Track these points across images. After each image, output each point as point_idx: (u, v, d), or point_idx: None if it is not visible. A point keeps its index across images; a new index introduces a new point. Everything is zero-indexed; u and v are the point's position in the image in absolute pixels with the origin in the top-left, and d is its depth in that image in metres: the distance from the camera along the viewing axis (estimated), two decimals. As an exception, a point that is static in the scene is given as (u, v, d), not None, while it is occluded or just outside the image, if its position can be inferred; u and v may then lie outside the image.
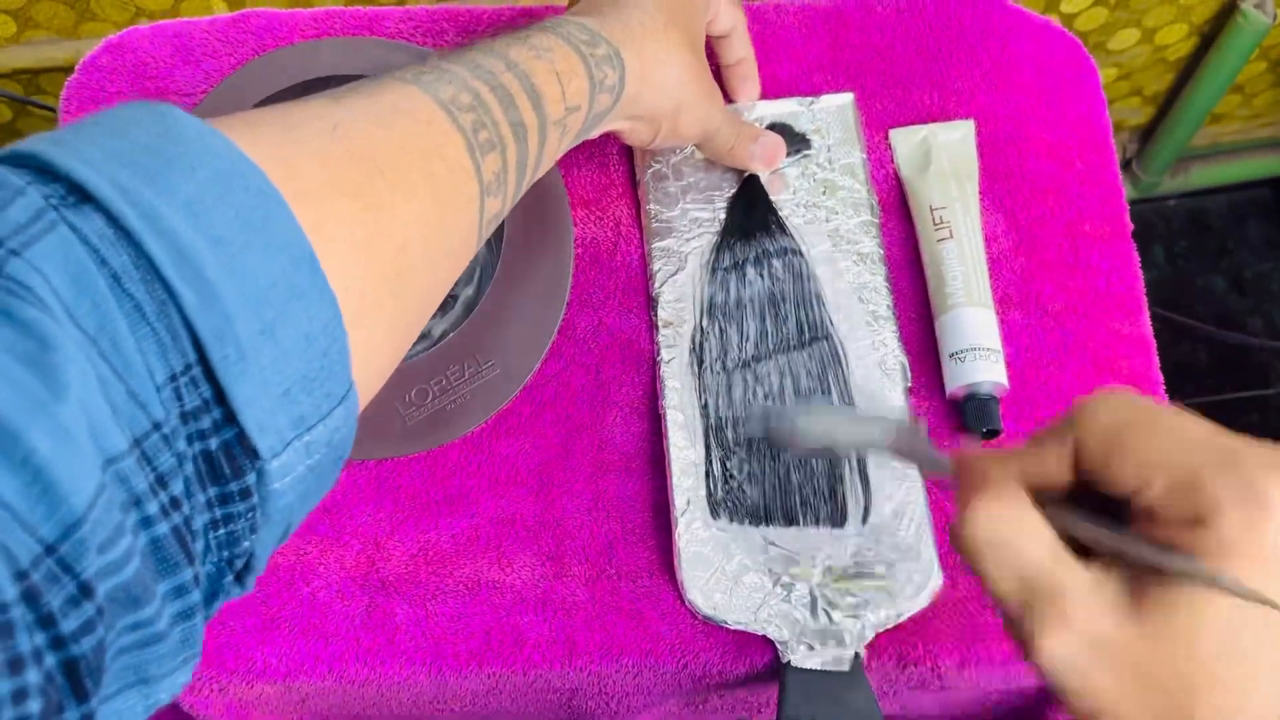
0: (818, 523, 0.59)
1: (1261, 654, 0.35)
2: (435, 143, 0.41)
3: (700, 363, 0.62)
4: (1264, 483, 0.34)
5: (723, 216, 0.66)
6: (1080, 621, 0.36)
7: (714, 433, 0.61)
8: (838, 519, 0.59)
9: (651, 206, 0.66)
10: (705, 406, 0.61)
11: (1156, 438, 0.36)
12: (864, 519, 0.59)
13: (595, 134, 0.55)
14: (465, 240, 0.44)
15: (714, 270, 0.64)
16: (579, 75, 0.50)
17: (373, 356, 0.38)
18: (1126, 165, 1.36)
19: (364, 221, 0.37)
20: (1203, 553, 0.35)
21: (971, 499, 0.38)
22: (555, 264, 0.60)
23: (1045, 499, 0.39)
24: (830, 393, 0.62)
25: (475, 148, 0.43)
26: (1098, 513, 0.38)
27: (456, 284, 0.61)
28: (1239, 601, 0.34)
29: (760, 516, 0.59)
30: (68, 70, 0.71)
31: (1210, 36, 1.16)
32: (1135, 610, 0.36)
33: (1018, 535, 0.38)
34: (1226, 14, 1.12)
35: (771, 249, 0.65)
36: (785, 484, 0.60)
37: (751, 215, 0.66)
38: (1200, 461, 0.35)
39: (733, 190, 0.66)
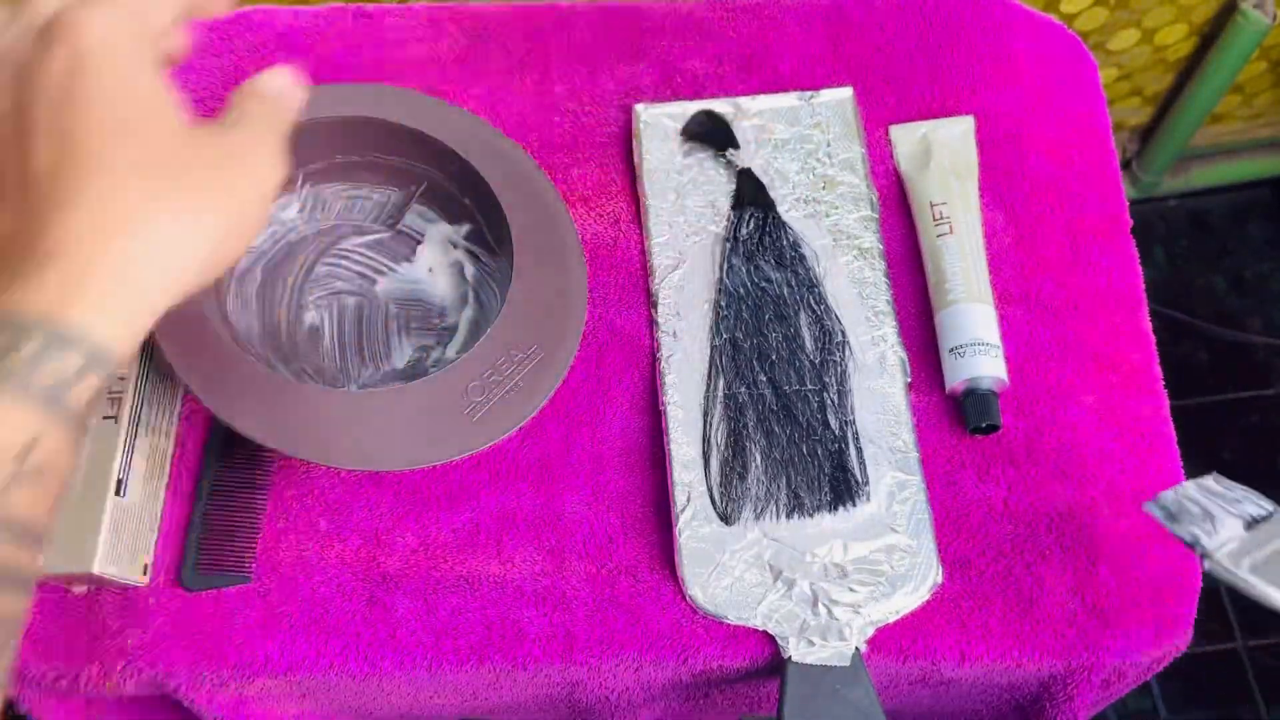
0: (815, 512, 0.59)
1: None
2: None
3: (710, 361, 0.62)
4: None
5: (723, 213, 0.66)
6: None
7: (715, 426, 0.61)
8: (835, 508, 0.59)
9: (651, 203, 0.66)
10: (709, 400, 0.61)
11: None
12: (858, 501, 0.59)
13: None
14: None
15: (717, 267, 0.65)
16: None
17: None
18: (1126, 165, 1.36)
19: None
20: None
21: None
22: (563, 246, 0.62)
23: None
24: (832, 377, 0.62)
25: None
26: None
27: (448, 312, 0.63)
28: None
29: (759, 509, 0.59)
30: (69, 68, 0.71)
31: (1210, 36, 1.16)
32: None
33: None
34: (1226, 14, 1.12)
35: (771, 246, 0.65)
36: (784, 476, 0.60)
37: (753, 213, 0.66)
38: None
39: (732, 187, 0.67)
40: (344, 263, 0.64)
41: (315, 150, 0.61)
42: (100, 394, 0.38)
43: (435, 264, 0.65)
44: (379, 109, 0.61)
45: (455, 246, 0.65)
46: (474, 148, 0.61)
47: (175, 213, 0.39)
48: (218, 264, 0.41)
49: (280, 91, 0.45)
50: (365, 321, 0.63)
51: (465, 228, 0.64)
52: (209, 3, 0.45)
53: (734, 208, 0.66)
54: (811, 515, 0.59)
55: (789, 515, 0.59)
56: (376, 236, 0.65)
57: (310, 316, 0.63)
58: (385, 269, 0.64)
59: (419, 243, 0.65)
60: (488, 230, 0.63)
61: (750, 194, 0.66)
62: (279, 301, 0.62)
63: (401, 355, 0.62)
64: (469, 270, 0.64)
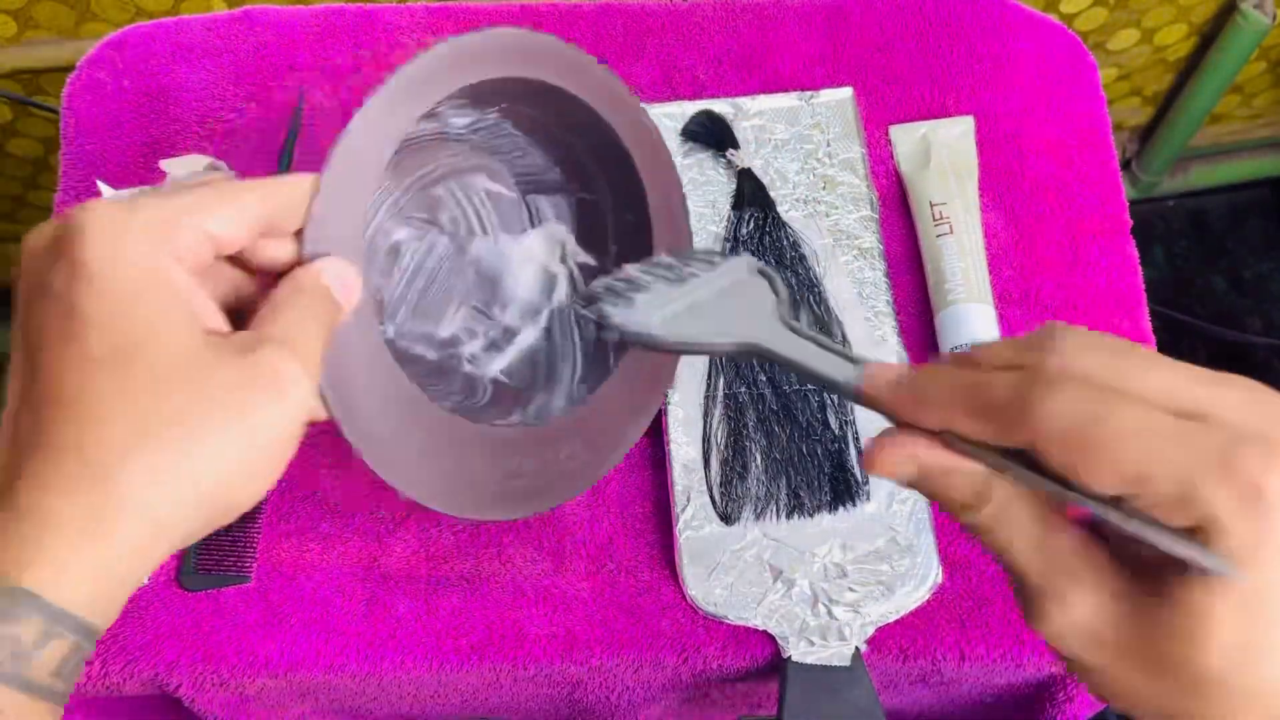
0: (815, 511, 0.59)
1: (1271, 660, 0.32)
2: None
3: (710, 361, 0.62)
4: (1263, 479, 0.30)
5: (723, 213, 0.66)
6: (1082, 606, 0.33)
7: (715, 426, 0.61)
8: (836, 508, 0.59)
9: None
10: (709, 400, 0.61)
11: (1129, 444, 0.31)
12: (858, 501, 0.59)
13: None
14: None
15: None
16: None
17: None
18: (1126, 165, 1.36)
19: None
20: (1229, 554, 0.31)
21: (943, 489, 0.35)
22: (661, 375, 0.56)
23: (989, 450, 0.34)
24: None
25: None
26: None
27: (512, 312, 0.58)
28: (1258, 602, 0.31)
29: (760, 509, 0.59)
30: (68, 70, 0.71)
31: (1210, 36, 1.16)
32: (1140, 601, 0.33)
33: (1020, 523, 0.34)
34: (1226, 14, 1.12)
35: (771, 246, 0.65)
36: (784, 475, 0.60)
37: (753, 213, 0.66)
38: (1188, 466, 0.30)
39: (732, 187, 0.67)
40: (462, 197, 0.58)
41: (493, 94, 0.53)
42: (78, 663, 0.33)
43: (535, 257, 0.58)
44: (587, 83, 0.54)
45: (563, 260, 0.59)
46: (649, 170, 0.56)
47: (164, 457, 0.34)
48: (226, 510, 0.36)
49: (333, 286, 0.41)
50: (441, 272, 0.58)
51: (586, 256, 0.58)
52: (283, 219, 0.41)
53: (734, 208, 0.66)
54: (812, 515, 0.59)
55: (789, 515, 0.59)
56: (502, 190, 0.59)
57: (402, 234, 0.57)
58: (489, 229, 0.59)
59: (534, 225, 0.59)
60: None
61: (750, 194, 0.66)
62: (384, 196, 0.56)
63: (447, 327, 0.57)
64: (559, 292, 0.59)
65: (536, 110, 0.55)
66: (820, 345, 0.38)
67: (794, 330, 0.39)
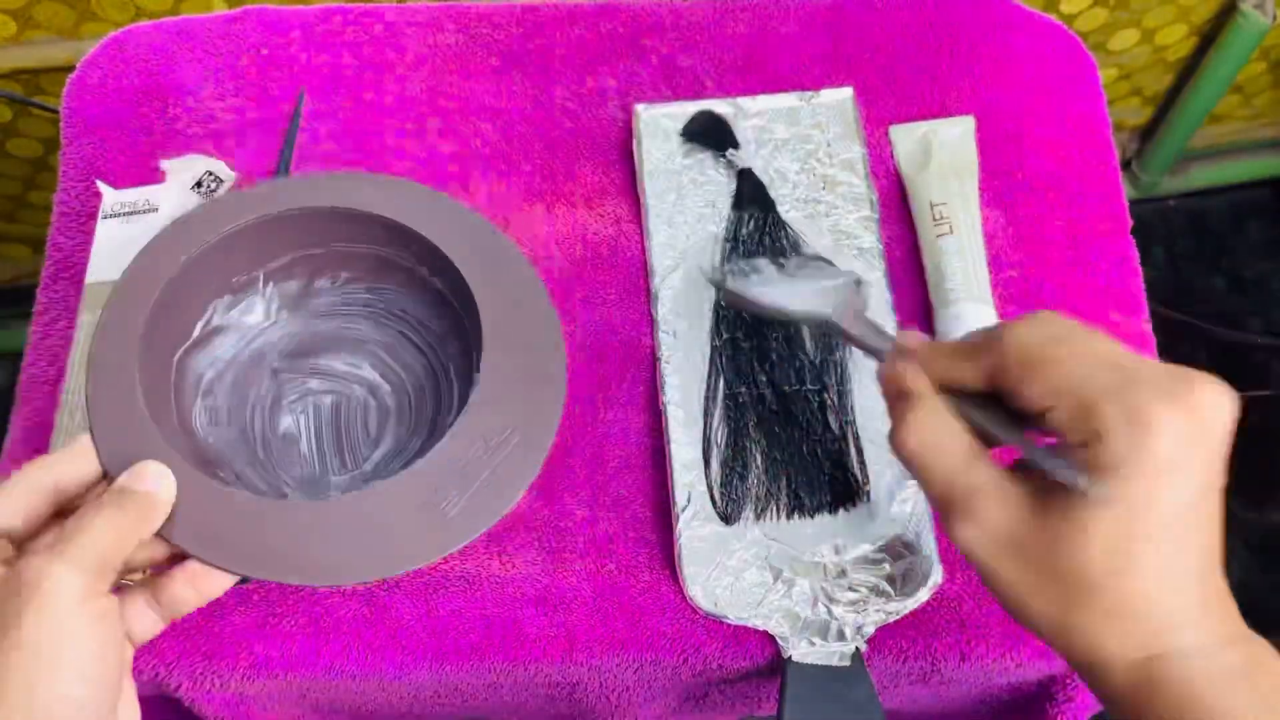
0: (816, 512, 0.59)
1: (1147, 563, 0.39)
2: None
3: (711, 361, 0.62)
4: (1148, 405, 0.38)
5: (723, 213, 0.66)
6: (987, 515, 0.41)
7: (716, 426, 0.61)
8: (836, 508, 0.59)
9: (652, 203, 0.66)
10: (709, 400, 0.61)
11: (1065, 365, 0.40)
12: (858, 502, 0.59)
13: None
14: None
15: (720, 267, 0.65)
16: None
17: None
18: (1126, 165, 1.36)
19: None
20: (1097, 465, 0.39)
21: (904, 413, 0.44)
22: (535, 316, 0.55)
23: (960, 395, 0.44)
24: (831, 377, 0.62)
25: None
26: (1003, 413, 0.44)
27: (427, 395, 0.59)
28: (1128, 516, 0.39)
29: (760, 509, 0.59)
30: (68, 70, 0.71)
31: (1210, 37, 1.16)
32: (1038, 510, 0.41)
33: (938, 441, 0.43)
34: (1226, 14, 1.12)
35: (771, 246, 0.65)
36: (784, 476, 0.60)
37: (753, 213, 0.66)
38: (1096, 387, 0.39)
39: (733, 187, 0.67)
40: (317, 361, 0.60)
41: (274, 245, 0.57)
42: None
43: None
44: (325, 196, 0.56)
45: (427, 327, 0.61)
46: (430, 222, 0.56)
47: None
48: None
49: (126, 488, 0.45)
50: (344, 420, 0.59)
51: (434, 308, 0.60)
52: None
53: (734, 208, 0.66)
54: (812, 516, 0.59)
55: (789, 516, 0.59)
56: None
57: (286, 422, 0.59)
58: (360, 363, 0.60)
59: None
60: (456, 317, 0.58)
61: (750, 194, 0.66)
62: (252, 410, 0.58)
63: (381, 450, 0.58)
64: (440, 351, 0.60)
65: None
66: (877, 330, 0.49)
67: (864, 321, 0.50)
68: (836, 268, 0.54)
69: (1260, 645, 0.41)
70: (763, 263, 0.55)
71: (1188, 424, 0.38)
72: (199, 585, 0.48)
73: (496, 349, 0.53)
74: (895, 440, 0.45)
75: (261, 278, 0.58)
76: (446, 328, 0.59)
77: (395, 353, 0.60)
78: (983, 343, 0.43)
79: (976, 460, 0.43)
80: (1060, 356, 0.41)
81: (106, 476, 0.47)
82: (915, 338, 0.47)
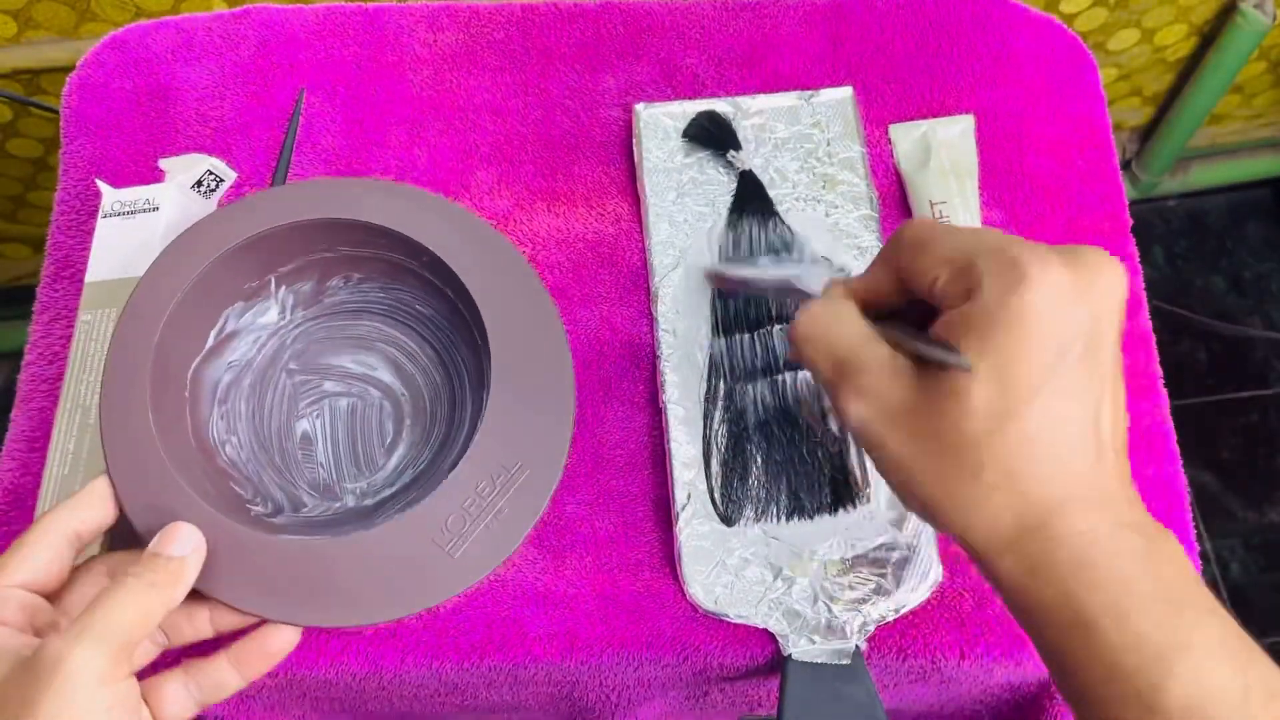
0: (816, 514, 0.59)
1: (1024, 427, 0.38)
2: None
3: (711, 361, 0.62)
4: (1022, 258, 0.38)
5: (723, 213, 0.66)
6: (875, 389, 0.41)
7: (716, 427, 0.61)
8: (836, 510, 0.59)
9: (652, 201, 0.66)
10: (709, 399, 0.61)
11: (946, 240, 0.41)
12: (859, 503, 0.59)
13: None
14: None
15: (721, 261, 0.65)
16: None
17: None
18: (1126, 165, 1.36)
19: None
20: (971, 324, 0.38)
21: (805, 306, 0.45)
22: (552, 354, 0.55)
23: (879, 314, 0.44)
24: None
25: None
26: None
27: (441, 401, 0.59)
28: (1002, 374, 0.38)
29: (760, 511, 0.59)
30: (68, 70, 0.71)
31: (1210, 37, 1.16)
32: (925, 381, 0.40)
33: (831, 324, 0.43)
34: (1226, 14, 1.12)
35: (772, 245, 0.65)
36: (784, 477, 0.60)
37: (755, 210, 0.66)
38: (975, 249, 0.39)
39: (733, 187, 0.67)
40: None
41: (283, 254, 0.57)
42: None
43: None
44: (331, 205, 0.56)
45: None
46: (446, 238, 0.56)
47: None
48: None
49: (155, 562, 0.45)
50: (359, 423, 0.59)
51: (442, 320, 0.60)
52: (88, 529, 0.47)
53: (734, 208, 0.66)
54: (812, 518, 0.59)
55: (789, 517, 0.59)
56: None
57: (303, 425, 0.59)
58: (375, 363, 0.61)
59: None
60: (468, 325, 0.57)
61: (750, 195, 0.66)
62: (269, 415, 0.59)
63: (395, 456, 0.58)
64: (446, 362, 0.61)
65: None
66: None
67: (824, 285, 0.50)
68: (823, 262, 0.56)
69: (1165, 536, 0.39)
70: (761, 259, 0.56)
71: (1067, 279, 0.38)
72: (242, 667, 0.48)
73: (506, 381, 0.53)
74: (790, 329, 0.45)
75: (273, 281, 0.58)
76: (458, 329, 0.59)
77: (410, 352, 0.60)
78: (888, 245, 0.44)
79: (867, 340, 0.42)
80: (948, 235, 0.41)
81: (123, 514, 0.48)
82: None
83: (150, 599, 0.44)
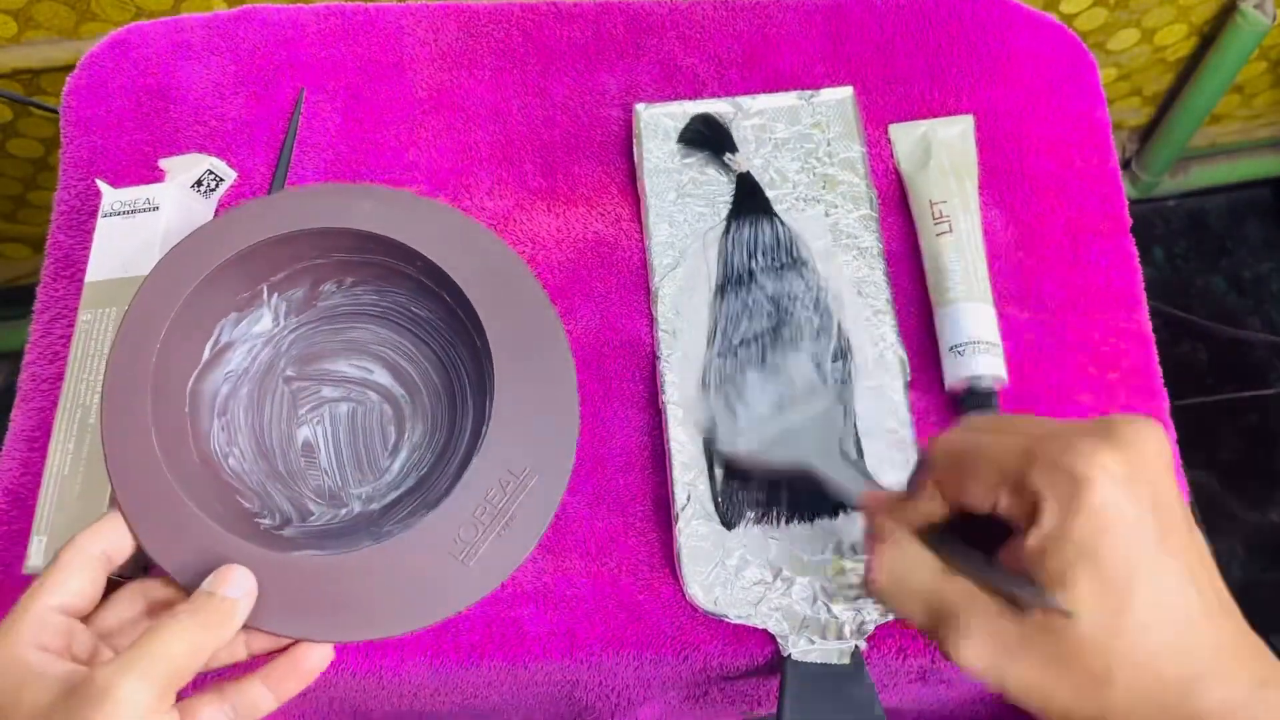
0: (816, 517, 0.59)
1: (1137, 620, 0.38)
2: None
3: (711, 371, 0.62)
4: (1068, 459, 0.38)
5: (723, 213, 0.66)
6: (980, 631, 0.40)
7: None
8: (836, 512, 0.59)
9: (652, 201, 0.66)
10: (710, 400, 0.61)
11: (988, 451, 0.40)
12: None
13: None
14: None
15: (717, 266, 0.65)
16: None
17: None
18: (1126, 165, 1.36)
19: None
20: (1049, 550, 0.38)
21: (871, 556, 0.45)
22: (548, 348, 0.55)
23: (934, 532, 0.44)
24: (832, 382, 0.62)
25: None
26: (983, 530, 0.43)
27: (442, 400, 0.59)
28: (1096, 577, 0.37)
29: (761, 514, 0.59)
30: (68, 70, 0.71)
31: (1210, 36, 1.16)
32: (1025, 614, 0.39)
33: (910, 573, 0.43)
34: (1226, 14, 1.12)
35: (772, 243, 0.65)
36: (786, 482, 0.60)
37: (753, 212, 0.66)
38: (1021, 464, 0.39)
39: (732, 187, 0.67)
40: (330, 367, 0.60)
41: (276, 263, 0.57)
42: None
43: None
44: (322, 212, 0.56)
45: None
46: (441, 244, 0.56)
47: None
48: None
49: (206, 603, 0.46)
50: (360, 428, 0.59)
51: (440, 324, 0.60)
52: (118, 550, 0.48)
53: (733, 211, 0.66)
54: (812, 521, 0.59)
55: (789, 520, 0.59)
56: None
57: (304, 432, 0.59)
58: (372, 367, 0.60)
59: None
60: (465, 327, 0.57)
61: (749, 197, 0.66)
62: (269, 424, 0.58)
63: (398, 460, 0.58)
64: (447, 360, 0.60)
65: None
66: (853, 474, 0.53)
67: (844, 459, 0.54)
68: (824, 391, 0.58)
69: None
70: (751, 378, 0.58)
71: (1121, 469, 0.38)
72: (276, 687, 0.49)
73: (509, 386, 0.53)
74: (867, 580, 0.45)
75: (265, 290, 0.58)
76: (455, 330, 0.58)
77: (407, 354, 0.60)
78: (919, 469, 0.44)
79: (946, 579, 0.42)
80: (982, 445, 0.41)
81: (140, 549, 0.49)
82: (873, 496, 0.49)
83: (201, 636, 0.45)
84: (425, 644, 0.58)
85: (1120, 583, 0.38)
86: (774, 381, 0.59)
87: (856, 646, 0.57)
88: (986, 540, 0.43)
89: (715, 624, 0.58)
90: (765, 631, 0.58)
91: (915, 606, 0.43)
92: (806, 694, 0.56)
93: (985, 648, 0.40)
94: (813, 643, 0.57)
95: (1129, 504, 0.38)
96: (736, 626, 0.58)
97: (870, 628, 0.57)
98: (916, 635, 0.58)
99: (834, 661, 0.56)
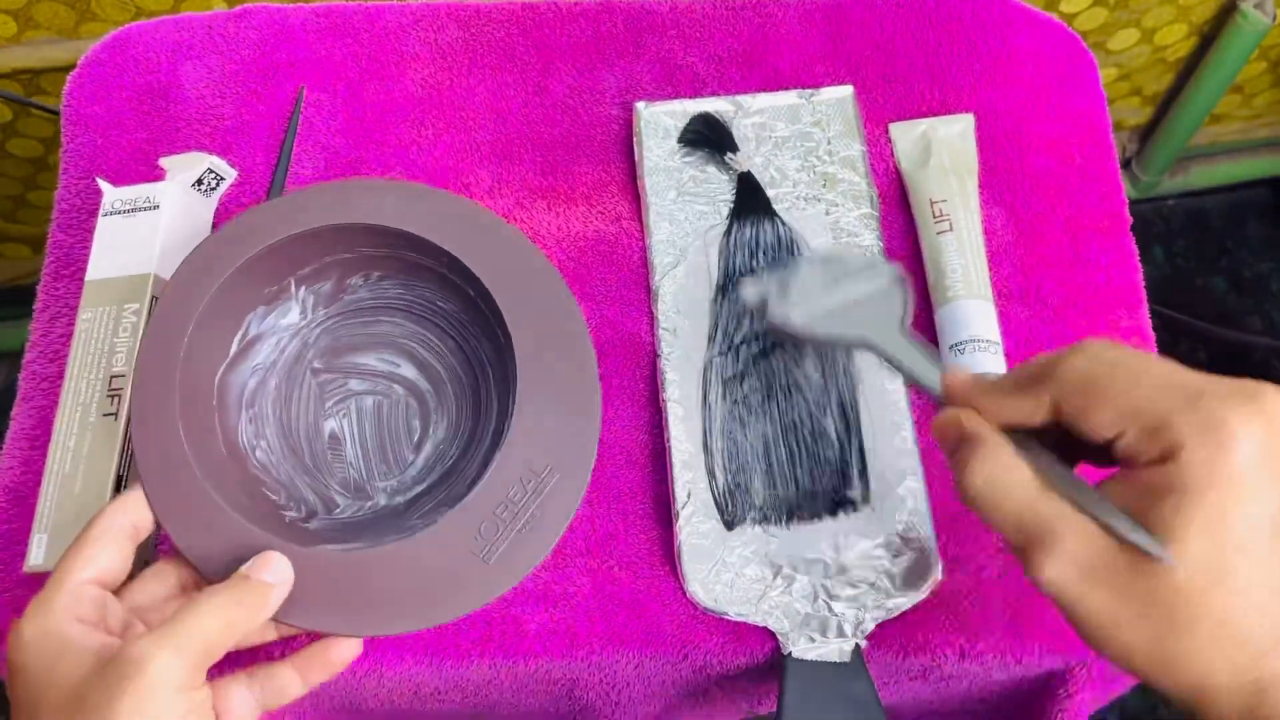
0: (816, 516, 0.59)
1: (1242, 578, 0.38)
2: None
3: (710, 372, 0.62)
4: (1223, 414, 0.38)
5: (723, 212, 0.66)
6: (1070, 553, 0.40)
7: (716, 436, 0.61)
8: (836, 510, 0.59)
9: (652, 200, 0.66)
10: (710, 405, 0.61)
11: (1126, 387, 0.40)
12: (859, 503, 0.59)
13: None
14: None
15: (718, 265, 0.65)
16: None
17: None
18: (1126, 165, 1.36)
19: None
20: (1174, 487, 0.38)
21: (966, 458, 0.43)
22: (576, 355, 0.56)
23: (1023, 436, 0.43)
24: (832, 380, 0.62)
25: None
26: (1070, 444, 0.43)
27: (466, 394, 0.59)
28: (1216, 529, 0.37)
29: (762, 515, 0.59)
30: (68, 70, 0.71)
31: (1210, 36, 1.16)
32: (1120, 544, 0.39)
33: (1007, 489, 0.42)
34: (1226, 14, 1.12)
35: (771, 244, 0.65)
36: (785, 479, 0.60)
37: (754, 212, 0.66)
38: (1167, 404, 0.39)
39: (733, 186, 0.67)
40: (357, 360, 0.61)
41: (303, 258, 0.58)
42: None
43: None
44: (347, 208, 0.57)
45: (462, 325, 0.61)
46: (465, 240, 0.56)
47: None
48: None
49: (241, 584, 0.47)
50: (386, 421, 0.59)
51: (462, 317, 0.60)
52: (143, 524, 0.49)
53: (733, 210, 0.66)
54: (811, 520, 0.59)
55: (789, 519, 0.59)
56: None
57: (330, 425, 0.59)
58: (398, 360, 0.61)
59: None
60: (488, 320, 0.58)
61: (749, 196, 0.66)
62: (296, 416, 0.59)
63: (423, 454, 0.59)
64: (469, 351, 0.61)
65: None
66: (921, 353, 0.48)
67: (906, 338, 0.49)
68: (881, 265, 0.52)
69: None
70: (803, 270, 0.53)
71: (1266, 433, 0.38)
72: (305, 674, 0.50)
73: (532, 385, 0.54)
74: (961, 485, 0.43)
75: (293, 283, 0.58)
76: (478, 324, 0.59)
77: (433, 348, 0.60)
78: (1038, 375, 0.42)
79: (1045, 494, 0.41)
80: (1124, 380, 0.40)
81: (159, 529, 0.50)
82: (964, 376, 0.46)
83: (236, 615, 0.46)
84: (425, 642, 0.58)
85: (1235, 540, 0.38)
86: (828, 262, 0.54)
87: (857, 644, 0.57)
88: (1055, 450, 0.43)
89: (715, 622, 0.58)
90: (766, 629, 0.58)
91: (1009, 521, 0.41)
92: (807, 692, 0.56)
93: (1070, 571, 0.40)
94: (813, 641, 0.57)
95: (1268, 474, 0.38)
96: (737, 624, 0.58)
97: (870, 626, 0.57)
98: (917, 633, 0.58)
99: (834, 660, 0.56)
